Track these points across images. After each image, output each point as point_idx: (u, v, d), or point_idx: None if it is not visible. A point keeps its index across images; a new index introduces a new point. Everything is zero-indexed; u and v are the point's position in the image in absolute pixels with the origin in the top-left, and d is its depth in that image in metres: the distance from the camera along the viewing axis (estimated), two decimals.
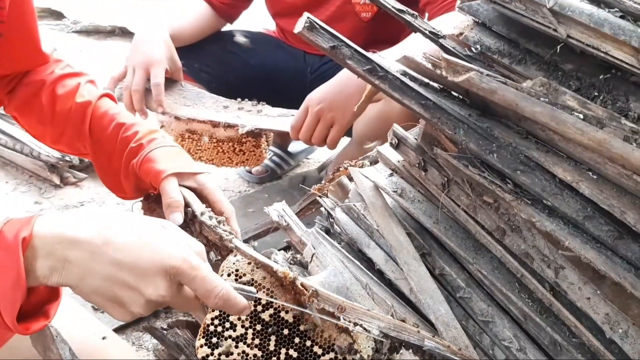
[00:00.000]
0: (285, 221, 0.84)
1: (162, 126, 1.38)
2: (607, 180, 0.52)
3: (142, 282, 0.51)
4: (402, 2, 0.68)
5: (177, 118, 1.33)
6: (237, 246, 0.65)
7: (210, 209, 0.80)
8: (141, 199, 0.92)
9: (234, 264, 0.63)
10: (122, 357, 0.86)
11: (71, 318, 0.73)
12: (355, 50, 0.64)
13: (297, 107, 1.24)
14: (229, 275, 0.62)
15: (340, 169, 1.02)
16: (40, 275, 0.50)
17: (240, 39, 1.66)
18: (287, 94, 1.63)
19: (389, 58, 1.02)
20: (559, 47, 0.52)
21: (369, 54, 0.65)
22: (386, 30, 1.50)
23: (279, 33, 1.70)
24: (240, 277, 0.62)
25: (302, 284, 0.59)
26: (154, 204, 0.87)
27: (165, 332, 0.90)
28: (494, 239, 0.67)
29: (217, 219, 0.78)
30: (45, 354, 0.61)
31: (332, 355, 0.59)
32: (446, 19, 1.25)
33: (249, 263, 0.63)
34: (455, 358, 0.54)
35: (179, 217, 0.79)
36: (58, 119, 0.91)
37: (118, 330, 1.24)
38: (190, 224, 0.81)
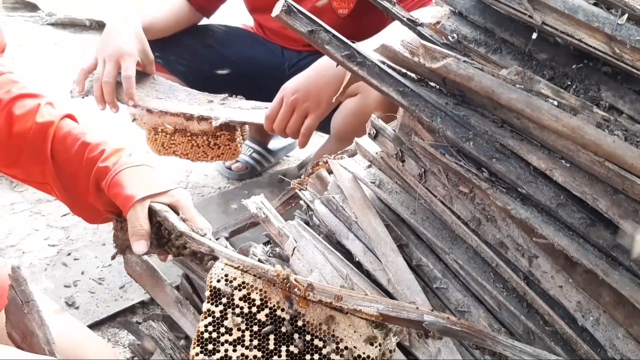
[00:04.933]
0: (264, 213, 0.84)
1: (134, 119, 1.37)
2: (580, 168, 0.54)
3: None
4: None
5: (149, 111, 1.32)
6: (225, 254, 0.66)
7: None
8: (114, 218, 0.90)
9: (222, 269, 0.63)
10: (99, 353, 0.85)
11: (45, 313, 0.71)
12: (334, 36, 0.65)
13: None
14: (218, 281, 0.62)
15: (320, 163, 1.02)
16: None
17: (217, 32, 1.66)
18: (265, 89, 1.63)
19: (367, 47, 1.04)
20: (534, 34, 0.53)
21: (348, 41, 0.66)
22: (364, 26, 1.51)
23: (256, 28, 1.71)
24: (231, 282, 0.62)
25: (296, 279, 0.60)
26: (125, 224, 0.84)
27: (139, 325, 0.90)
28: (469, 229, 0.68)
29: (199, 232, 0.77)
30: (26, 340, 0.61)
31: (333, 346, 0.60)
32: (420, 13, 1.26)
33: (238, 267, 0.63)
34: (456, 328, 0.55)
35: (143, 246, 0.78)
36: (15, 140, 0.85)
37: (93, 326, 1.23)
38: (170, 241, 0.79)
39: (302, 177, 1.02)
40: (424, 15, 1.25)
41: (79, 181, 0.84)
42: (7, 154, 0.87)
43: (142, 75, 1.35)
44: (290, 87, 1.19)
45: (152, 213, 0.78)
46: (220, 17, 1.68)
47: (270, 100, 1.27)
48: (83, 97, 1.34)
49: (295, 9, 0.64)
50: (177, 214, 0.79)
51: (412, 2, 1.32)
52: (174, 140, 1.35)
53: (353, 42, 0.69)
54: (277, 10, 0.65)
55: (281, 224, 0.83)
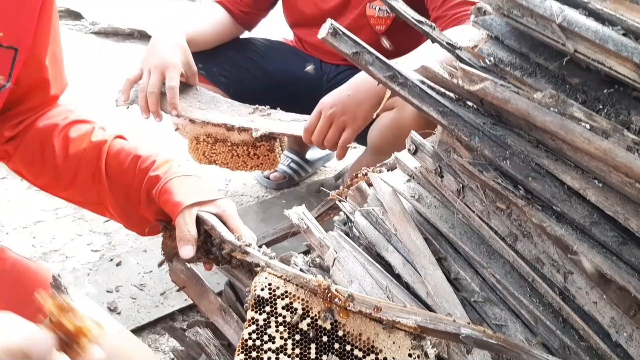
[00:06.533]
0: (305, 224, 0.90)
1: (177, 129, 1.45)
2: (612, 188, 0.58)
3: None
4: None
5: (191, 121, 1.40)
6: (270, 264, 0.70)
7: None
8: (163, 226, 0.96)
9: (266, 278, 0.68)
10: (144, 356, 0.92)
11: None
12: (377, 57, 0.70)
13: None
14: (262, 289, 0.67)
15: (359, 175, 1.08)
16: None
17: (258, 45, 1.74)
18: (304, 102, 1.70)
19: (404, 65, 1.10)
20: (564, 60, 0.58)
21: (390, 61, 0.71)
22: (400, 42, 1.57)
23: (296, 42, 1.78)
24: (274, 290, 0.66)
25: (336, 290, 0.65)
26: (174, 232, 0.91)
27: (184, 331, 0.96)
28: (506, 244, 0.72)
29: (244, 242, 0.82)
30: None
31: (372, 357, 0.63)
32: (456, 32, 1.31)
33: (281, 277, 0.67)
34: (493, 341, 0.59)
35: (190, 251, 0.84)
36: (71, 160, 0.92)
37: (134, 331, 1.30)
38: (216, 249, 0.85)
39: (341, 188, 1.08)
40: (460, 34, 1.31)
41: (132, 192, 0.91)
42: (64, 176, 0.94)
43: (185, 86, 1.44)
44: (328, 101, 1.26)
45: (199, 221, 0.85)
46: (261, 31, 1.77)
47: (309, 113, 1.34)
48: (128, 107, 1.43)
49: (340, 32, 0.70)
50: (223, 223, 0.85)
51: (448, 20, 1.37)
52: (215, 150, 1.43)
53: (391, 59, 0.75)
54: (323, 32, 0.71)
55: (322, 234, 0.89)
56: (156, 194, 0.87)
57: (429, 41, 0.75)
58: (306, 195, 1.95)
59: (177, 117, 1.38)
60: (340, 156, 1.31)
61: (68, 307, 0.50)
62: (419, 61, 0.69)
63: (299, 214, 0.92)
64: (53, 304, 0.50)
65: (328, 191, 1.06)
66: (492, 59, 0.67)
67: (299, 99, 1.72)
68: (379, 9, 1.55)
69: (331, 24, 0.70)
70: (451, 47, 0.68)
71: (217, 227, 0.83)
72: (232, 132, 1.38)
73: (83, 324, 0.50)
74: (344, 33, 0.70)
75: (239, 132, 1.37)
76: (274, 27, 1.90)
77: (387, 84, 0.69)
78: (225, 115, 1.40)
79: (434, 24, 0.71)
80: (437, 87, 0.72)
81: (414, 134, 0.82)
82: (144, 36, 3.10)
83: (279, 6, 1.71)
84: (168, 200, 0.85)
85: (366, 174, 1.07)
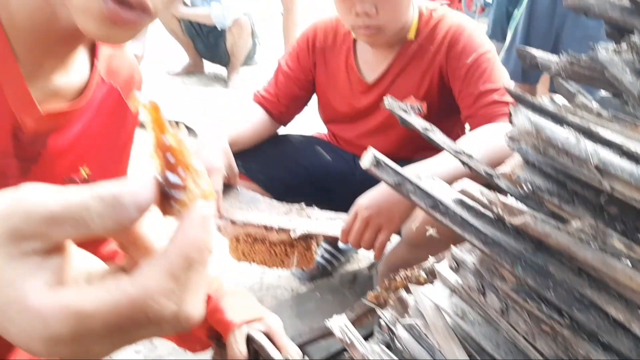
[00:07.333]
0: (349, 338, 0.92)
1: (219, 229, 1.50)
2: None
3: None
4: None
5: (232, 222, 1.45)
6: None
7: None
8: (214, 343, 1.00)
9: None
10: None
11: None
12: (418, 187, 0.75)
13: (347, 207, 1.35)
14: None
15: (397, 278, 1.10)
16: None
17: (293, 141, 1.82)
18: (338, 194, 1.77)
19: (438, 166, 1.14)
20: (602, 196, 0.61)
21: (430, 188, 0.75)
22: None
23: (330, 137, 1.86)
24: None
25: None
26: (224, 350, 0.95)
27: None
28: None
29: None
30: None
31: None
32: (486, 130, 1.37)
33: None
34: None
35: None
36: None
37: None
38: None
39: (376, 286, 1.10)
40: (488, 132, 1.35)
41: None
42: None
43: (227, 187, 1.51)
44: (364, 203, 1.30)
45: (249, 339, 0.88)
46: (295, 124, 1.86)
47: (343, 205, 1.38)
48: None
49: (383, 163, 0.75)
50: (271, 340, 0.89)
51: (480, 119, 1.42)
52: (254, 249, 1.47)
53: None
54: (366, 162, 0.76)
55: (366, 349, 0.90)
56: (208, 313, 0.91)
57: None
58: (340, 286, 1.97)
59: (219, 219, 1.43)
60: (378, 257, 1.34)
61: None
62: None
63: (341, 327, 0.94)
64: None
65: (366, 301, 1.08)
66: (529, 186, 0.71)
67: (333, 191, 1.78)
68: (411, 106, 1.62)
69: (374, 155, 0.75)
70: (489, 176, 0.72)
71: (266, 346, 0.86)
72: (271, 232, 1.42)
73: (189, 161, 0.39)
74: (386, 164, 0.75)
75: (277, 232, 1.42)
76: (307, 120, 1.99)
77: (429, 212, 0.73)
78: (264, 215, 1.46)
79: (471, 154, 0.75)
80: (476, 206, 0.75)
81: (455, 250, 0.85)
82: (188, 129, 3.24)
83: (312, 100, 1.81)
84: (220, 319, 0.89)
85: (405, 278, 1.10)
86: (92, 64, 0.74)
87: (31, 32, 0.62)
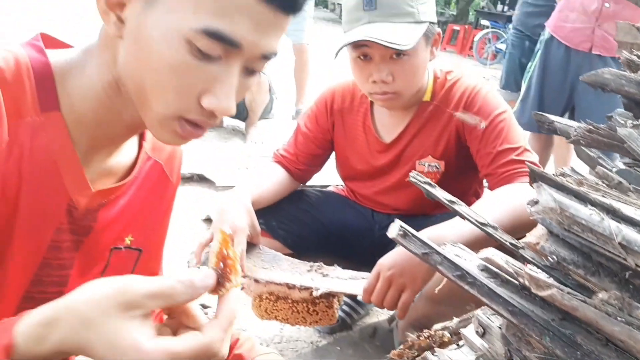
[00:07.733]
0: None
1: (242, 288, 1.53)
2: None
3: None
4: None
5: (256, 280, 1.49)
6: None
7: None
8: None
9: None
10: None
11: None
12: (445, 257, 0.78)
13: (366, 261, 1.37)
14: None
15: (420, 337, 1.12)
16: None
17: (312, 197, 1.86)
18: (357, 249, 1.79)
19: (461, 228, 1.16)
20: (627, 272, 0.64)
21: (457, 259, 0.78)
22: (454, 190, 1.66)
23: (348, 192, 1.90)
24: None
25: None
26: None
27: None
28: None
29: None
30: None
31: None
32: (507, 192, 1.40)
33: None
34: None
35: None
36: None
37: None
38: None
39: (398, 344, 1.12)
40: (516, 194, 1.38)
41: None
42: None
43: (250, 246, 1.55)
44: (387, 263, 1.33)
45: None
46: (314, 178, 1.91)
47: (362, 261, 1.40)
48: (199, 268, 1.54)
49: (410, 233, 0.79)
50: None
51: (498, 177, 1.46)
52: (276, 307, 1.50)
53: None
54: (393, 232, 0.80)
55: None
56: None
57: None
58: (360, 340, 1.98)
59: (243, 277, 1.47)
60: (402, 316, 1.36)
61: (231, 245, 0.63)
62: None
63: None
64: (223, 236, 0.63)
65: (385, 354, 1.10)
66: (554, 256, 0.74)
67: (352, 246, 1.81)
68: (429, 164, 1.67)
69: (400, 227, 0.79)
70: (514, 247, 0.75)
71: None
72: (293, 290, 1.45)
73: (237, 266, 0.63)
74: (412, 235, 0.79)
75: (299, 290, 1.44)
76: (326, 174, 2.04)
77: (457, 282, 0.76)
78: (286, 273, 1.49)
79: (496, 225, 0.79)
80: (501, 273, 0.78)
81: (480, 315, 0.88)
82: (202, 179, 3.29)
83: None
84: None
85: (429, 337, 1.11)
86: (140, 144, 0.80)
87: (95, 127, 0.69)
